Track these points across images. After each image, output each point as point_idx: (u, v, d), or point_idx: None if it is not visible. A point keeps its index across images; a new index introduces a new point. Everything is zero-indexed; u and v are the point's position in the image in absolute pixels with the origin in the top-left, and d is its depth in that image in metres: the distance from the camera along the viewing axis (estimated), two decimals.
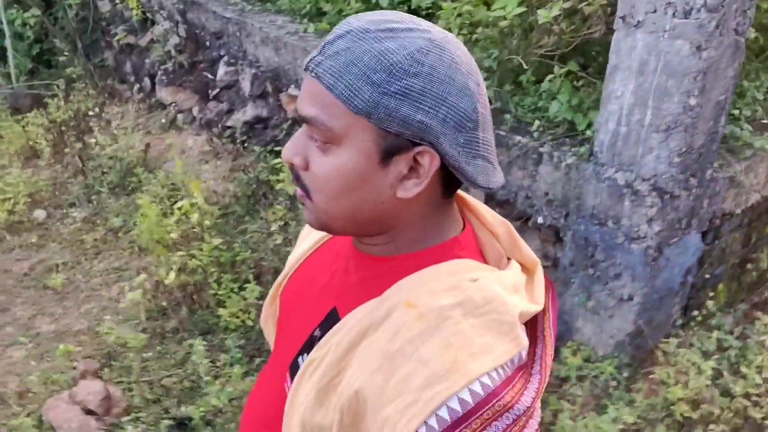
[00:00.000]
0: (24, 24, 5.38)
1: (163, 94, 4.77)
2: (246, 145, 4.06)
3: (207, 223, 3.42)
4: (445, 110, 0.74)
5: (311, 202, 0.81)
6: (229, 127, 4.17)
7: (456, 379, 0.70)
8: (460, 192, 0.86)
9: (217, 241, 3.32)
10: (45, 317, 3.35)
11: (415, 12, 3.25)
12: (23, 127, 4.87)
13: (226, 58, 4.16)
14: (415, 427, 0.69)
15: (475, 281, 0.78)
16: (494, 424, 0.70)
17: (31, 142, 4.77)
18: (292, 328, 0.94)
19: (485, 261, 0.87)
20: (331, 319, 0.85)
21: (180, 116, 4.64)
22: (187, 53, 4.47)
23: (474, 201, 0.91)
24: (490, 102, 1.32)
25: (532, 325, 0.83)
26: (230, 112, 4.21)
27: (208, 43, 4.30)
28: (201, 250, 3.28)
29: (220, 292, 3.17)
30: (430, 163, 0.76)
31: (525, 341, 0.77)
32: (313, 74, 0.75)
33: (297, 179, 0.81)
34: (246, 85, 4.00)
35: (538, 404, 0.78)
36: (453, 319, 0.74)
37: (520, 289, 0.83)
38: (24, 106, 5.30)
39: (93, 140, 4.66)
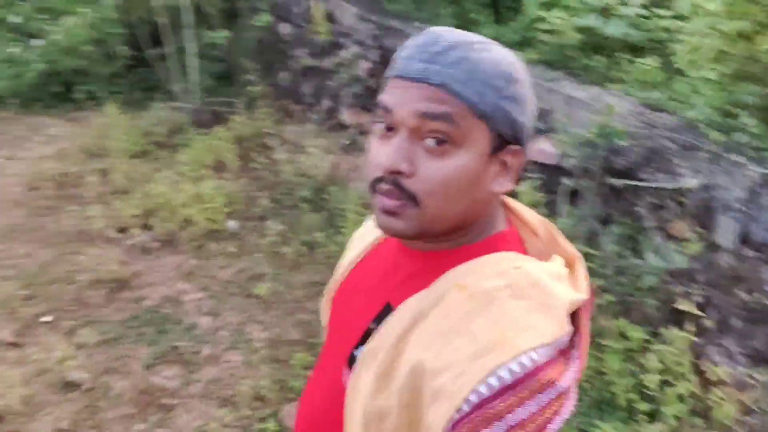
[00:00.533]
0: (210, 44, 5.67)
1: (346, 116, 4.90)
2: None
3: None
4: (532, 112, 0.88)
5: (418, 209, 0.83)
6: None
7: (505, 351, 0.76)
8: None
9: None
10: (255, 324, 3.46)
11: None
12: (210, 141, 5.12)
13: None
14: (466, 393, 0.75)
15: (519, 268, 0.84)
16: (538, 396, 0.75)
17: (217, 156, 5.00)
18: (346, 327, 0.97)
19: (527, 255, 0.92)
20: (385, 313, 0.89)
21: (363, 138, 4.75)
22: (377, 78, 4.59)
23: (514, 202, 0.98)
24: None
25: (573, 314, 0.86)
26: None
27: None
28: None
29: None
30: (517, 160, 0.87)
31: (569, 326, 0.83)
32: (436, 82, 0.81)
33: (396, 189, 0.83)
34: None
35: (575, 389, 0.81)
36: (500, 300, 0.80)
37: (564, 279, 0.88)
38: (205, 121, 5.57)
39: (276, 157, 4.84)
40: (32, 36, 6.49)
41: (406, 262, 0.93)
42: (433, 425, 0.77)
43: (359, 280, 1.01)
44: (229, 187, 4.68)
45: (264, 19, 5.42)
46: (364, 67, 4.73)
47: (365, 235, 1.08)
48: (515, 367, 0.76)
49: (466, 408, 0.75)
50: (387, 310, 0.90)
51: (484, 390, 0.75)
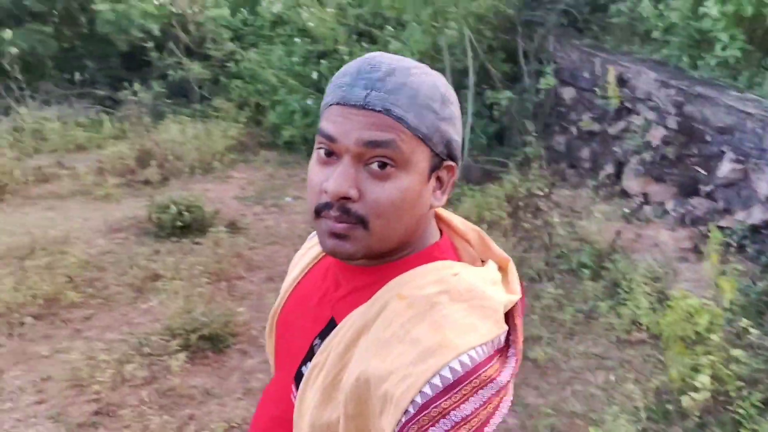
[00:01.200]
0: (489, 105, 5.76)
1: (632, 183, 4.64)
2: (747, 250, 3.67)
3: (719, 325, 3.09)
4: (462, 132, 0.93)
5: (366, 231, 0.85)
6: (723, 228, 3.83)
7: (446, 352, 0.79)
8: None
9: (737, 351, 2.96)
10: (530, 389, 3.28)
11: None
12: (481, 198, 5.13)
13: (731, 155, 3.86)
14: (411, 396, 0.77)
15: (456, 275, 0.87)
16: (480, 392, 0.79)
17: (488, 213, 4.98)
18: (292, 346, 0.98)
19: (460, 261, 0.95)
20: (329, 328, 0.91)
21: (648, 208, 4.45)
22: (676, 146, 4.28)
23: (446, 212, 1.00)
24: None
25: (507, 314, 0.90)
26: (726, 211, 3.88)
27: (708, 138, 4.07)
28: (710, 354, 2.95)
29: (739, 411, 2.78)
30: (450, 175, 0.92)
31: (505, 325, 0.87)
32: (378, 109, 0.83)
33: (344, 213, 0.85)
34: (762, 186, 3.64)
35: (512, 385, 0.85)
36: (440, 305, 0.83)
37: (498, 283, 0.92)
38: (477, 178, 5.63)
39: (549, 219, 4.69)
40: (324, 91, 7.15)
41: (347, 277, 0.94)
42: None
43: (301, 301, 1.02)
44: (499, 245, 4.61)
45: (548, 82, 5.40)
46: (657, 134, 4.46)
47: (303, 257, 1.09)
48: (456, 366, 0.78)
49: (411, 410, 0.77)
50: (331, 325, 0.92)
51: (428, 390, 0.78)
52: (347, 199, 0.84)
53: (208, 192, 5.92)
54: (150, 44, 8.37)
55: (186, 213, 4.88)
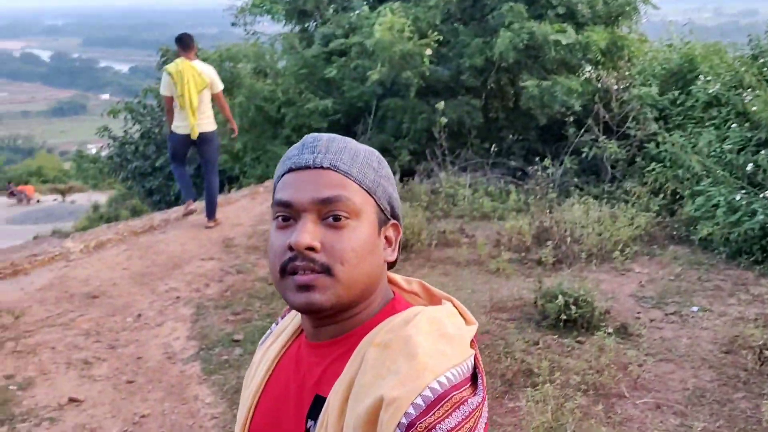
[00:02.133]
0: None
1: None
2: None
3: None
4: (396, 192, 1.04)
5: (332, 278, 0.93)
6: None
7: (425, 375, 0.87)
8: None
9: None
10: None
11: None
12: None
13: None
14: (398, 419, 0.84)
15: (419, 314, 0.95)
16: (461, 407, 0.87)
17: None
18: (283, 428, 1.01)
19: None
20: (318, 405, 0.96)
21: None
22: None
23: (389, 273, 1.07)
24: None
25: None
26: None
27: None
28: None
29: None
30: (396, 233, 1.03)
31: (471, 350, 0.95)
32: (326, 165, 0.95)
33: (309, 263, 0.92)
34: None
35: (485, 406, 0.92)
36: (411, 337, 0.90)
37: (456, 316, 1.00)
38: None
39: None
40: (761, 187, 6.05)
41: (319, 357, 0.99)
42: None
43: (278, 396, 1.04)
44: None
45: None
46: None
47: (267, 353, 1.11)
48: (436, 386, 0.86)
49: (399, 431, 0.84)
50: (318, 402, 0.96)
51: (412, 411, 0.84)
52: (311, 249, 0.92)
53: (602, 284, 5.40)
54: (569, 119, 8.28)
55: (573, 307, 4.46)
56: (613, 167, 7.97)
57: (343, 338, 0.99)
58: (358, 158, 0.98)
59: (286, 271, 0.93)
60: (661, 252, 6.12)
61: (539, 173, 7.82)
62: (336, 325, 0.99)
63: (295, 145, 1.02)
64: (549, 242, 6.03)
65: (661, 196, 7.04)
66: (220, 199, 8.08)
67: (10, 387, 4.06)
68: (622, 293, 5.23)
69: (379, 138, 8.84)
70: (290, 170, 0.97)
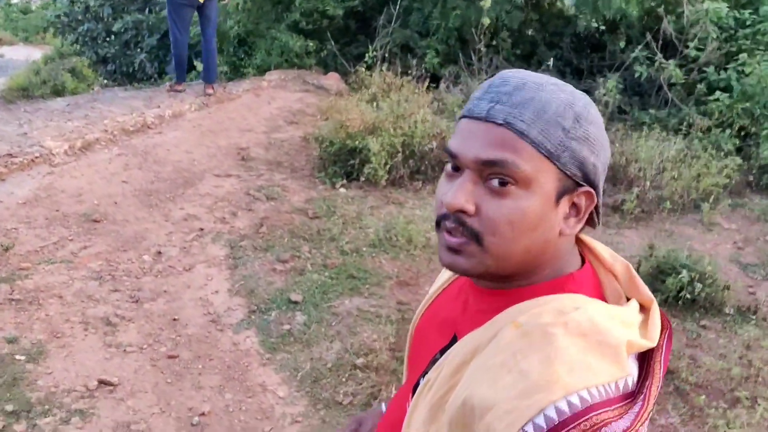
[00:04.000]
0: None
1: None
2: None
3: None
4: (605, 156, 0.86)
5: (480, 247, 0.83)
6: None
7: (555, 389, 0.73)
8: (579, 234, 0.91)
9: None
10: None
11: None
12: None
13: None
14: None
15: (578, 309, 0.80)
16: None
17: None
18: (420, 356, 1.00)
19: (603, 299, 0.89)
20: (451, 345, 0.91)
21: None
22: None
23: (594, 242, 0.94)
24: None
25: (646, 359, 0.84)
26: None
27: None
28: None
29: None
30: (588, 202, 0.86)
31: (630, 369, 0.80)
32: (499, 122, 0.81)
33: (459, 226, 0.83)
34: None
35: (642, 430, 0.77)
36: (555, 337, 0.77)
37: (633, 325, 0.84)
38: None
39: None
40: None
41: (475, 298, 0.93)
42: None
43: (437, 312, 1.02)
44: None
45: None
46: None
47: (444, 272, 1.09)
48: (563, 406, 0.73)
49: None
50: (453, 341, 0.91)
51: (530, 429, 0.73)
52: (463, 212, 0.83)
53: (694, 244, 4.74)
54: (606, 30, 7.31)
55: (699, 284, 3.78)
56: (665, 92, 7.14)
57: (498, 293, 0.89)
58: (545, 114, 0.81)
59: (439, 225, 0.87)
60: (743, 202, 5.47)
61: (583, 87, 6.92)
62: (494, 281, 0.89)
63: (485, 82, 0.87)
64: (624, 185, 5.28)
65: (728, 132, 6.30)
66: (217, 92, 6.94)
67: (17, 358, 3.15)
68: (721, 258, 4.57)
69: (402, 34, 7.68)
70: (465, 116, 0.85)
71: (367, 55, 7.57)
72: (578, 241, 0.94)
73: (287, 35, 7.76)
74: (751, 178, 5.81)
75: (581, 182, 0.84)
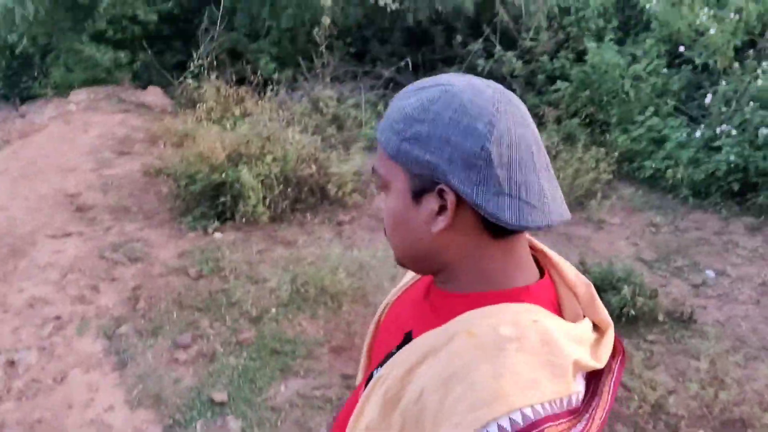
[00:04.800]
0: None
1: None
2: None
3: None
4: (449, 150, 0.83)
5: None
6: None
7: (498, 406, 0.76)
8: (543, 247, 0.96)
9: None
10: None
11: None
12: None
13: None
14: None
15: (536, 322, 0.83)
16: None
17: None
18: (380, 349, 1.02)
19: (560, 314, 0.90)
20: (406, 341, 0.92)
21: None
22: None
23: (558, 258, 0.96)
24: None
25: (595, 380, 0.87)
26: None
27: None
28: None
29: None
30: (449, 199, 0.84)
31: (576, 387, 0.83)
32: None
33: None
34: None
35: None
36: (507, 352, 0.79)
37: (585, 343, 0.87)
38: None
39: None
40: (691, 117, 5.71)
41: (433, 296, 0.95)
42: None
43: (400, 310, 1.04)
44: None
45: None
46: None
47: (408, 274, 1.11)
48: (505, 424, 0.75)
49: None
50: (408, 338, 0.93)
51: None
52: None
53: (592, 243, 4.68)
54: (455, 26, 7.16)
55: (640, 298, 3.64)
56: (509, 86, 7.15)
57: (455, 295, 0.91)
58: (387, 121, 0.88)
59: None
60: (613, 193, 5.55)
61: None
62: (439, 282, 0.94)
63: None
64: None
65: (575, 121, 6.41)
66: (16, 124, 5.68)
67: None
68: (626, 257, 4.54)
69: (228, 38, 6.85)
70: None
71: (191, 63, 6.65)
72: (540, 255, 0.96)
73: (92, 47, 6.56)
74: (613, 167, 5.93)
75: (436, 180, 0.84)
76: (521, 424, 0.75)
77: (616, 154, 5.77)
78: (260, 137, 4.94)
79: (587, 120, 6.51)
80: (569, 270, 0.95)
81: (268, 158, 4.70)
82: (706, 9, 6.06)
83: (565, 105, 6.57)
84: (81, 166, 5.20)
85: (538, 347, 0.80)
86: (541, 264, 0.95)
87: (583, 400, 0.84)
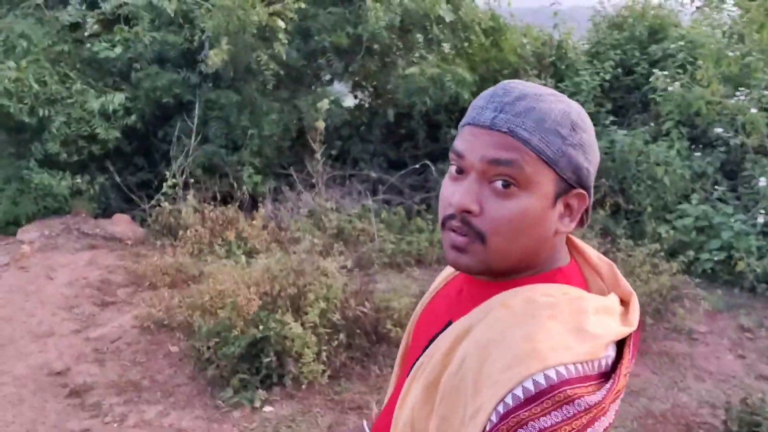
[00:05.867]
0: None
1: None
2: None
3: None
4: (596, 160, 0.93)
5: (483, 246, 0.89)
6: None
7: (533, 363, 0.81)
8: (570, 236, 1.00)
9: None
10: None
11: None
12: None
13: None
14: (494, 405, 0.80)
15: (566, 294, 0.89)
16: (564, 407, 0.79)
17: None
18: (418, 343, 1.04)
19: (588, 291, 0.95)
20: (444, 330, 0.96)
21: None
22: None
23: (581, 242, 1.01)
24: None
25: (619, 344, 0.91)
26: None
27: None
28: None
29: None
30: (580, 203, 0.93)
31: (605, 352, 0.87)
32: (503, 130, 0.87)
33: (464, 226, 0.90)
34: None
35: (612, 408, 0.84)
36: (540, 318, 0.85)
37: (614, 313, 0.92)
38: None
39: None
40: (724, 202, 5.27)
41: (470, 287, 0.98)
42: None
43: (435, 305, 1.07)
44: None
45: None
46: None
47: (444, 272, 1.14)
48: (540, 379, 0.80)
49: (494, 419, 0.80)
50: (447, 327, 0.95)
51: (509, 401, 0.80)
52: (469, 212, 0.89)
53: (698, 362, 4.00)
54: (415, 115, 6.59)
55: None
56: None
57: (494, 284, 0.94)
58: (545, 123, 0.88)
59: (445, 225, 0.93)
60: (680, 293, 4.94)
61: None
62: (491, 276, 0.96)
63: (489, 89, 0.94)
64: None
65: (604, 213, 5.87)
66: None
67: None
68: (744, 376, 3.89)
69: (205, 151, 5.95)
70: (469, 124, 0.92)
71: (163, 183, 5.70)
72: (566, 240, 1.00)
73: (42, 174, 5.50)
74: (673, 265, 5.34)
75: (575, 185, 0.91)
76: (555, 380, 0.80)
77: (663, 247, 5.21)
78: (286, 271, 4.04)
79: (612, 210, 6.00)
80: (592, 253, 1.01)
81: (310, 298, 3.80)
82: (725, 88, 5.79)
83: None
84: (59, 329, 4.08)
85: (568, 316, 0.86)
86: (569, 249, 0.99)
87: (613, 363, 0.88)
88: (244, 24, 5.71)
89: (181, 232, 5.28)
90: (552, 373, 0.80)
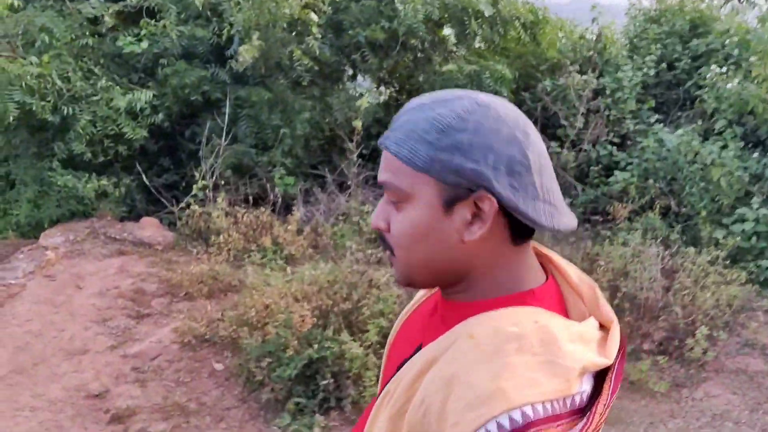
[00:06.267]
0: None
1: None
2: None
3: None
4: (493, 157, 0.84)
5: (396, 258, 0.92)
6: None
7: (496, 404, 0.76)
8: (547, 251, 0.96)
9: None
10: None
11: None
12: None
13: None
14: None
15: (536, 323, 0.83)
16: None
17: None
18: (392, 366, 1.00)
19: (566, 315, 0.91)
20: (415, 353, 0.92)
21: None
22: None
23: (562, 261, 0.97)
24: None
25: (600, 376, 0.85)
26: None
27: None
28: None
29: None
30: (489, 206, 0.85)
31: (579, 387, 0.81)
32: (383, 147, 0.89)
33: (383, 242, 0.93)
34: None
35: None
36: (506, 352, 0.80)
37: (590, 342, 0.87)
38: None
39: None
40: None
41: (442, 306, 0.96)
42: None
43: (411, 324, 1.05)
44: None
45: None
46: None
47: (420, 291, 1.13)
48: (504, 422, 0.76)
49: None
50: (418, 350, 0.92)
51: None
52: (380, 230, 0.92)
53: None
54: None
55: None
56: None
57: (461, 304, 0.92)
58: (413, 134, 0.86)
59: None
60: (745, 304, 4.67)
61: None
62: (449, 293, 0.94)
63: None
64: (644, 319, 4.11)
65: (650, 216, 5.60)
66: None
67: None
68: None
69: (234, 151, 5.68)
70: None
71: (194, 186, 5.43)
72: (545, 259, 0.96)
73: (66, 176, 5.23)
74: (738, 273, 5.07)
75: (472, 187, 0.85)
76: (520, 422, 0.76)
77: (723, 254, 4.92)
78: (339, 284, 3.78)
79: (662, 213, 5.73)
80: (573, 272, 0.96)
81: (365, 313, 3.54)
82: None
83: (634, 197, 5.77)
84: (93, 345, 3.82)
85: (537, 347, 0.81)
86: (546, 268, 0.96)
87: (589, 398, 0.83)
88: (275, 17, 5.44)
89: (213, 237, 5.02)
90: (517, 415, 0.76)
